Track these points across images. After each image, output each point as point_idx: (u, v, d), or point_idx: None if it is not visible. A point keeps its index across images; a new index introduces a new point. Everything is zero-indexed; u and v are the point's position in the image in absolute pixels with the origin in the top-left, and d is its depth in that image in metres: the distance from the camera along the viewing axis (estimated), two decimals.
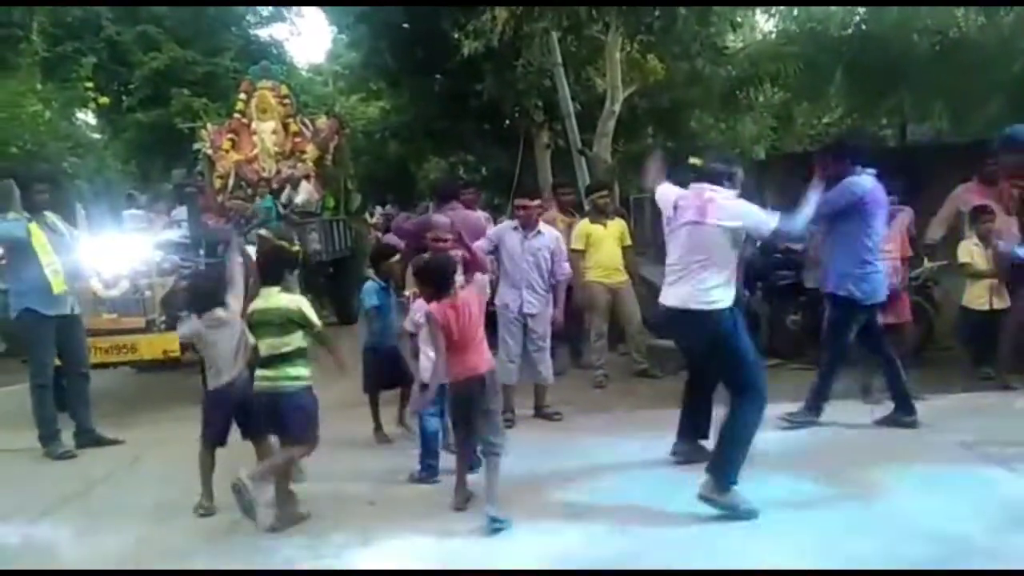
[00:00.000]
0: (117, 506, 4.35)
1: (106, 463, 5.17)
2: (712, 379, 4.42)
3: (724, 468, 3.83)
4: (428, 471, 4.50)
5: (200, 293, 4.26)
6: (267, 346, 3.86)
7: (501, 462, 3.89)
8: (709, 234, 4.01)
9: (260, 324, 3.89)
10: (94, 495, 4.61)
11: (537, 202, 5.96)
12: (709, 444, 4.27)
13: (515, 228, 5.77)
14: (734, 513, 3.72)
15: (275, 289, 3.94)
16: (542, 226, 5.86)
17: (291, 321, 3.86)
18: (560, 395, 6.00)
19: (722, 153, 4.64)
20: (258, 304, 3.94)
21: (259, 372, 3.91)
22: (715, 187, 4.09)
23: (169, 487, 4.54)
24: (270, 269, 4.05)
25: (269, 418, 3.94)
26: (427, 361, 4.30)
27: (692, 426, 4.53)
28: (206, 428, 4.15)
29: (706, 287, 4.00)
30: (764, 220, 4.10)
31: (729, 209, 4.03)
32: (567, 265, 5.95)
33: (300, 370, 3.89)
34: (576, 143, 11.13)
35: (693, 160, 4.27)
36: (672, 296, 4.16)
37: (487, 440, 3.92)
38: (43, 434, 5.39)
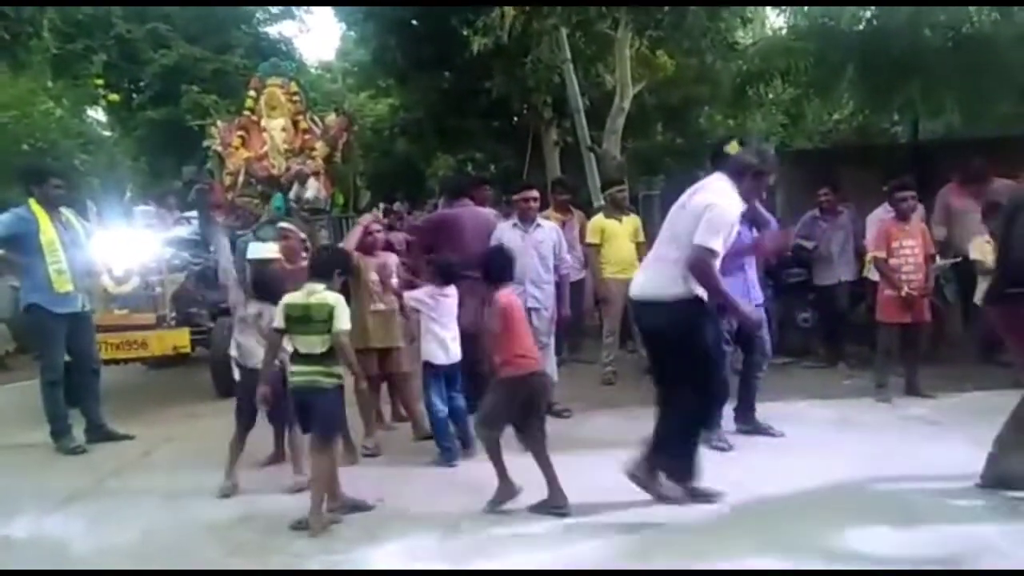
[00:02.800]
0: (127, 500, 4.37)
1: (117, 458, 5.20)
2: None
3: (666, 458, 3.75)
4: (447, 455, 4.70)
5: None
6: (309, 343, 3.84)
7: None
8: (685, 218, 3.74)
9: (304, 320, 3.84)
10: (104, 489, 4.63)
11: (536, 193, 5.95)
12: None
13: (514, 224, 5.76)
14: (666, 499, 3.73)
15: (321, 286, 3.92)
16: (539, 219, 5.87)
17: (331, 318, 3.85)
18: (569, 392, 5.99)
19: (752, 147, 4.15)
20: (300, 299, 3.88)
21: (298, 368, 3.87)
22: (723, 176, 3.84)
23: (179, 481, 4.57)
24: (325, 267, 4.05)
25: (304, 415, 3.96)
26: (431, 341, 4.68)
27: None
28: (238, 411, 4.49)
29: (671, 275, 3.72)
30: (703, 233, 3.61)
31: (703, 196, 3.72)
32: (568, 258, 6.01)
33: (337, 367, 3.89)
34: (585, 140, 11.10)
35: (727, 148, 4.03)
36: (635, 284, 3.95)
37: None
38: (54, 429, 5.43)
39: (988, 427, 4.86)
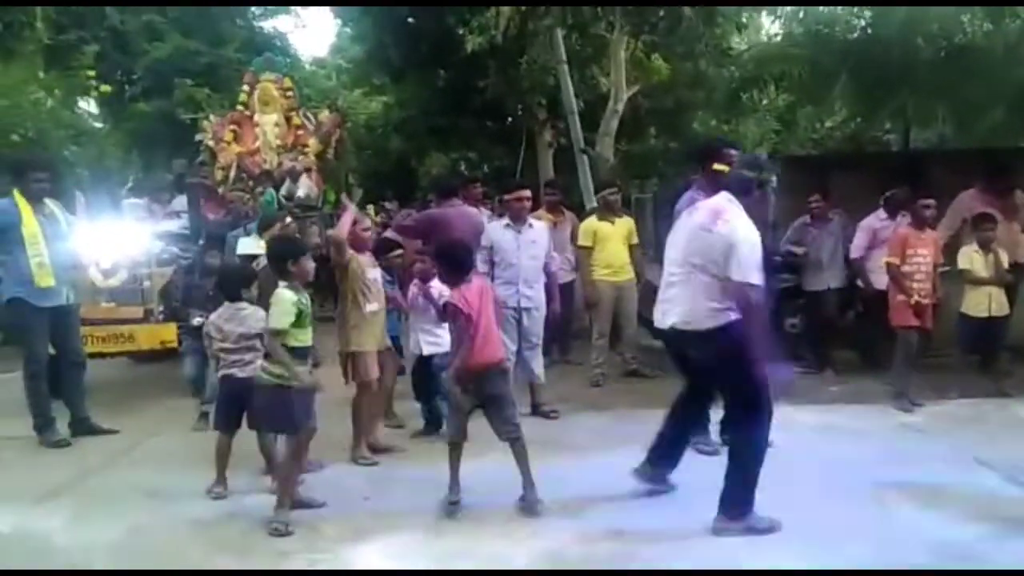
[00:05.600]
0: (111, 495, 4.34)
1: (101, 452, 5.16)
2: (707, 401, 4.09)
3: (738, 497, 3.62)
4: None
5: (230, 282, 4.56)
6: (303, 338, 3.86)
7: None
8: (714, 244, 3.63)
9: (306, 315, 3.87)
10: (88, 484, 4.60)
11: (529, 193, 5.96)
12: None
13: (507, 225, 5.76)
14: (755, 533, 3.56)
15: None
16: (531, 219, 5.89)
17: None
18: (557, 393, 6.00)
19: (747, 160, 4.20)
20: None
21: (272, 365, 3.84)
22: (730, 197, 3.71)
23: (163, 477, 4.54)
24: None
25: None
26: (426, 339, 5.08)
27: (669, 454, 4.12)
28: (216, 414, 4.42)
29: (713, 304, 3.63)
30: (741, 269, 3.55)
31: (726, 227, 3.61)
32: (556, 256, 6.08)
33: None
34: (579, 142, 11.11)
35: (716, 167, 4.04)
36: (670, 316, 3.76)
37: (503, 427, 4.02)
38: (38, 423, 5.38)
39: (973, 435, 4.92)
